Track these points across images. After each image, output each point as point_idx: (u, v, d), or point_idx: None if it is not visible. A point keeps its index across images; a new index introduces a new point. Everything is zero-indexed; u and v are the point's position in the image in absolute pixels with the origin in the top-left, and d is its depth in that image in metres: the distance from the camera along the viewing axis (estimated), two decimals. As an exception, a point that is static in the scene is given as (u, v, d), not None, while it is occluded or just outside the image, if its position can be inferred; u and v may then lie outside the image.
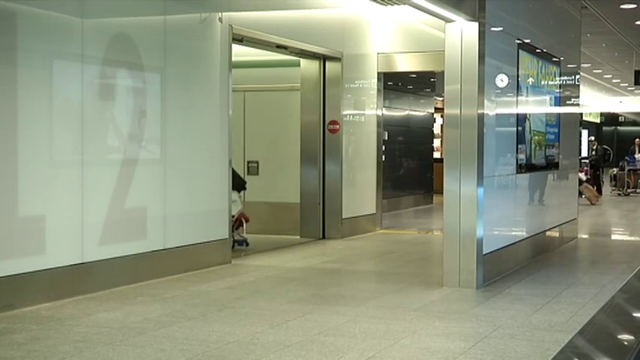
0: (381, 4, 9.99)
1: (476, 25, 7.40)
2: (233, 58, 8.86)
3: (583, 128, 31.24)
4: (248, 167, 11.66)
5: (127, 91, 7.54)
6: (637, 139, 23.45)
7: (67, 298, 6.61)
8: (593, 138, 27.12)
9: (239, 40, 9.11)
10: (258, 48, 10.05)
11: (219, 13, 8.59)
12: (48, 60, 6.62)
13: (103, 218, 7.14)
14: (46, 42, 6.55)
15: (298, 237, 10.84)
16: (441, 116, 18.34)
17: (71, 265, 6.78)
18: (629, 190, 21.84)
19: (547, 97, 10.03)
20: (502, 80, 8.11)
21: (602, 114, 43.42)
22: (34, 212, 6.52)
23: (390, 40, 11.78)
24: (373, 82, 11.83)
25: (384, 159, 12.53)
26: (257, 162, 11.48)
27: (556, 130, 10.44)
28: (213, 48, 8.57)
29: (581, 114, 29.76)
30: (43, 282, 6.51)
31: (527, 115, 9.13)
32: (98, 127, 7.13)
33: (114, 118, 7.39)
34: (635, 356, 1.94)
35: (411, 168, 17.16)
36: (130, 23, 7.51)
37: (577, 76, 11.73)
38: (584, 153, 25.07)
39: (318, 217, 11.01)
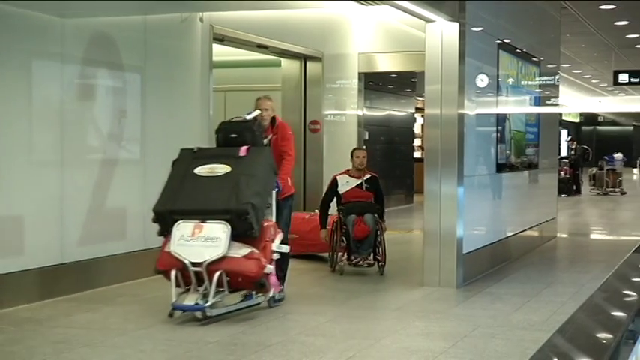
0: (362, 3, 10.01)
1: (456, 25, 7.43)
2: (214, 58, 8.84)
3: (562, 128, 31.44)
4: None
5: (107, 91, 7.51)
6: None
7: (46, 299, 6.57)
8: (570, 138, 27.26)
9: (220, 39, 9.09)
10: (239, 48, 10.04)
11: (200, 13, 8.57)
12: (27, 59, 6.58)
13: (83, 218, 7.10)
14: (25, 41, 6.51)
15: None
16: (422, 116, 18.37)
17: (50, 266, 6.74)
18: (607, 190, 22.00)
19: (527, 97, 10.08)
20: (482, 80, 8.14)
21: (581, 114, 43.70)
22: (13, 212, 6.48)
23: (371, 40, 11.79)
24: (354, 82, 11.84)
25: (365, 159, 12.52)
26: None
27: (536, 129, 10.50)
28: (193, 48, 8.55)
29: (561, 114, 29.94)
30: (21, 283, 6.46)
31: (508, 115, 9.18)
32: (78, 127, 7.10)
33: (94, 117, 7.35)
34: (612, 354, 1.97)
35: (391, 168, 17.18)
36: (110, 22, 7.48)
37: (556, 76, 11.80)
38: (564, 152, 25.21)
39: None
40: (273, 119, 6.79)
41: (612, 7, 13.26)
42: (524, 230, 10.06)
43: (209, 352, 5.08)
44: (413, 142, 18.80)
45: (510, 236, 9.39)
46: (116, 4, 7.43)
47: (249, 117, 6.56)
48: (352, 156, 8.38)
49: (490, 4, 8.58)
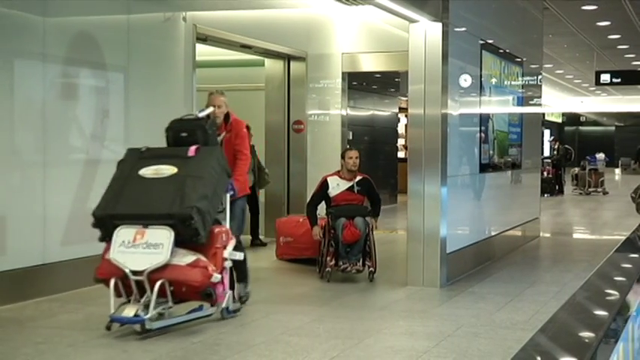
0: (346, 3, 10.01)
1: (439, 25, 7.45)
2: (197, 58, 8.82)
3: (545, 128, 31.61)
4: (212, 167, 11.56)
5: (90, 91, 7.47)
6: None
7: (28, 299, 6.53)
8: (552, 138, 27.42)
9: (203, 39, 9.07)
10: (223, 47, 10.01)
11: (183, 13, 8.55)
12: (8, 59, 6.54)
13: (66, 219, 7.06)
14: (6, 41, 6.47)
15: (263, 236, 10.81)
16: (406, 116, 18.40)
17: (33, 267, 6.70)
18: (590, 190, 22.12)
19: (510, 97, 10.13)
20: (465, 80, 8.17)
21: (563, 114, 43.94)
22: (-5, 213, 6.44)
23: (355, 40, 11.79)
24: (338, 82, 11.83)
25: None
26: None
27: (519, 129, 10.54)
28: (177, 47, 8.53)
29: (544, 114, 30.10)
30: (4, 283, 6.42)
31: (491, 115, 9.21)
32: (60, 127, 7.06)
33: (76, 117, 7.32)
34: (594, 353, 1.98)
35: (375, 168, 17.20)
36: (92, 22, 7.44)
37: (539, 77, 11.85)
38: (547, 152, 25.34)
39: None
40: (227, 116, 6.43)
41: (594, 7, 13.36)
42: (508, 230, 10.10)
43: (193, 353, 5.07)
44: (396, 142, 18.84)
45: (494, 236, 9.43)
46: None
47: (201, 114, 6.17)
48: (344, 157, 7.91)
49: (473, 4, 8.60)
